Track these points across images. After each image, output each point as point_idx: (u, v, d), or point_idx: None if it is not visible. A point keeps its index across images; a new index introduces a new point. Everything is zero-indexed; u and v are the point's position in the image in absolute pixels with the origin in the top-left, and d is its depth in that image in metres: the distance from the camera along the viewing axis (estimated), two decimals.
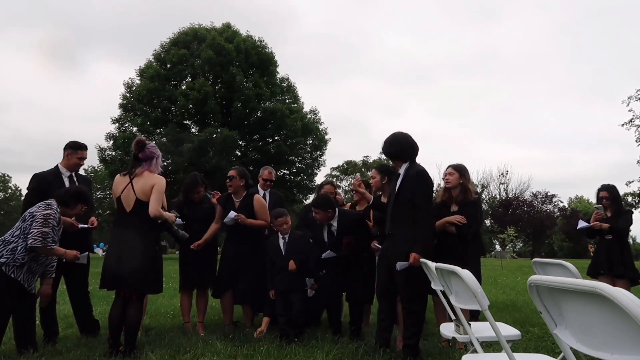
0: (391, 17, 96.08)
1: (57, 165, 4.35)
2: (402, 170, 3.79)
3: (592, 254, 5.38)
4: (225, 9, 73.89)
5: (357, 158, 56.04)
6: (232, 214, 4.54)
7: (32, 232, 3.48)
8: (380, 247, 4.20)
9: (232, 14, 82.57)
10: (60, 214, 3.69)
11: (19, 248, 3.50)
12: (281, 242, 4.47)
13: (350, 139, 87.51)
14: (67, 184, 4.25)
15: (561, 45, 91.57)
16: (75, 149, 4.33)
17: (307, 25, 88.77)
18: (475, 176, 53.54)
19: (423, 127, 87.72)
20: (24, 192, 4.43)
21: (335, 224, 4.54)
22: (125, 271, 3.66)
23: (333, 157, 79.82)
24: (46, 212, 3.57)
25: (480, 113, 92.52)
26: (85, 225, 4.19)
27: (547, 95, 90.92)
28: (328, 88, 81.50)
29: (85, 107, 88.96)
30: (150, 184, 3.74)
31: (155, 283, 3.84)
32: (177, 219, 4.74)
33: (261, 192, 5.28)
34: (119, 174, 3.94)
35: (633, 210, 26.96)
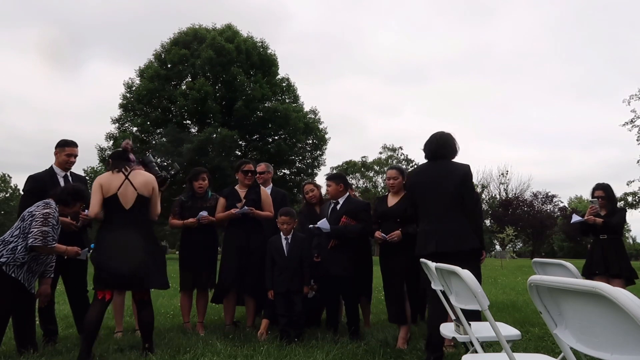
0: (384, 15, 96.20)
1: (51, 166, 4.35)
2: None
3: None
4: (218, 8, 73.82)
5: (354, 157, 56.03)
6: (245, 208, 4.63)
7: (32, 231, 3.49)
8: (385, 236, 4.24)
9: (226, 12, 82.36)
10: (58, 213, 3.69)
11: (19, 247, 3.50)
12: (284, 242, 4.47)
13: (347, 139, 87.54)
14: (62, 184, 4.23)
15: (555, 44, 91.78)
16: (62, 146, 4.33)
17: (300, 24, 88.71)
18: (475, 176, 53.48)
19: (419, 127, 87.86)
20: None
21: (341, 201, 4.67)
22: (138, 271, 3.60)
23: (330, 156, 79.84)
24: (45, 211, 3.57)
25: (476, 112, 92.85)
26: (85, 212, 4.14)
27: (542, 94, 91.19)
28: (322, 87, 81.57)
29: (85, 107, 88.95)
30: (152, 185, 3.79)
31: (165, 278, 3.92)
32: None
33: (263, 188, 5.28)
34: (107, 173, 3.79)
35: (632, 210, 26.97)
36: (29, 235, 3.49)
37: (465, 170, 3.68)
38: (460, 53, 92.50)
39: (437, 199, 3.63)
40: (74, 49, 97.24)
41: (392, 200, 4.46)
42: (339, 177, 4.86)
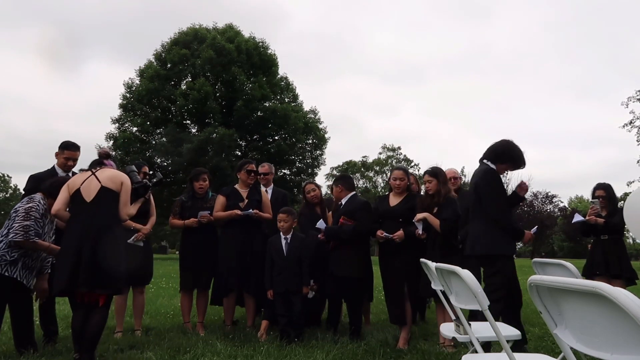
0: (382, 15, 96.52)
1: (53, 166, 4.34)
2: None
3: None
4: (216, 8, 73.90)
5: (353, 157, 55.93)
6: (250, 210, 4.63)
7: (14, 226, 3.48)
8: (389, 235, 4.23)
9: (223, 12, 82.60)
10: (45, 206, 3.64)
11: (2, 245, 3.50)
12: (283, 242, 4.47)
13: (345, 138, 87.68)
14: None
15: (554, 44, 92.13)
16: (62, 149, 4.29)
17: (297, 23, 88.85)
18: (472, 176, 53.56)
19: (418, 127, 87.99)
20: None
21: (344, 202, 4.69)
22: (99, 271, 3.26)
23: (329, 156, 79.75)
24: (28, 205, 3.57)
25: (474, 112, 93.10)
26: None
27: (540, 94, 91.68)
28: (320, 87, 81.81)
29: (85, 107, 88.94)
30: (120, 179, 3.54)
31: (124, 281, 3.57)
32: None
33: (263, 189, 5.28)
34: (78, 173, 3.72)
35: None
36: (10, 231, 3.48)
37: (482, 171, 3.61)
38: (458, 53, 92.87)
39: (467, 201, 3.74)
40: (74, 49, 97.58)
41: (394, 200, 4.46)
42: (337, 179, 4.92)
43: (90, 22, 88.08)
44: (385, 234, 4.25)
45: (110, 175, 3.55)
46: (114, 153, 27.55)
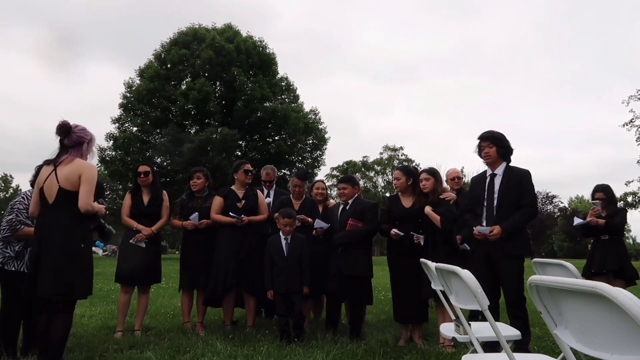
0: (371, 13, 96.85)
1: None
2: (500, 171, 3.90)
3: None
4: (203, 7, 73.98)
5: (346, 157, 55.90)
6: (244, 217, 4.66)
7: (2, 224, 3.63)
8: (401, 233, 4.24)
9: (212, 12, 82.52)
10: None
11: (0, 244, 3.62)
12: (283, 242, 4.46)
13: (339, 138, 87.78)
14: None
15: (546, 41, 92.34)
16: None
17: (286, 22, 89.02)
18: (468, 175, 53.64)
19: (411, 126, 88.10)
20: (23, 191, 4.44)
21: (350, 202, 4.68)
22: (48, 273, 3.10)
23: (326, 156, 79.68)
24: (12, 202, 3.71)
25: (467, 110, 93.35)
26: None
27: (533, 93, 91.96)
28: (311, 85, 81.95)
29: (85, 106, 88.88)
30: (78, 173, 3.20)
31: (83, 286, 3.22)
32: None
33: (265, 191, 5.29)
34: (45, 164, 3.36)
35: (632, 210, 26.95)
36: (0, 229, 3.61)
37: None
38: (449, 51, 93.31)
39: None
40: (73, 49, 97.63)
41: (407, 201, 4.43)
42: (350, 179, 4.87)
43: (88, 21, 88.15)
44: (396, 230, 4.26)
45: (67, 173, 3.22)
46: (113, 153, 27.54)
